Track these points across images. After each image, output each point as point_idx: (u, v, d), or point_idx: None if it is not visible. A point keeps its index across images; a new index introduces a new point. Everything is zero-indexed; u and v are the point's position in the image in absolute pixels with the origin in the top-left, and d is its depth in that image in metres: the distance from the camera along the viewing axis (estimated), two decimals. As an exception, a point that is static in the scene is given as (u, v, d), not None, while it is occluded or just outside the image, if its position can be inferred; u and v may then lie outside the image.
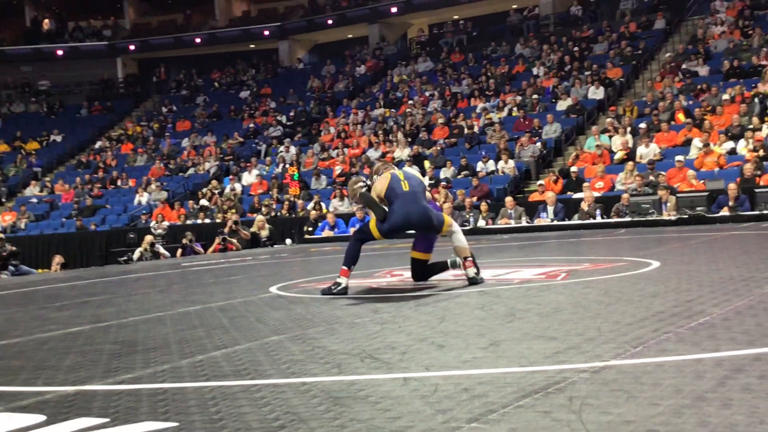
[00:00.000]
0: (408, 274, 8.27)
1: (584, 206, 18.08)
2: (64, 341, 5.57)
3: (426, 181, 21.24)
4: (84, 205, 27.37)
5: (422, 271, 7.92)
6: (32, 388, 4.02)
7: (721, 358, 3.66)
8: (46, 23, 44.09)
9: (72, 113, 39.58)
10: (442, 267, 7.91)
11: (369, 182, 7.89)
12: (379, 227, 7.46)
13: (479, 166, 22.56)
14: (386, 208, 7.45)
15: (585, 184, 19.43)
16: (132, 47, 42.10)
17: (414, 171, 8.04)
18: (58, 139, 36.65)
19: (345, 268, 7.38)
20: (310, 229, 20.99)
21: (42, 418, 3.35)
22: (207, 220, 23.65)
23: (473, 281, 7.43)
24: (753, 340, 4.02)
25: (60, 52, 41.71)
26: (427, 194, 8.05)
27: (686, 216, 16.59)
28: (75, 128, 37.88)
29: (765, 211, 16.14)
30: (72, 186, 29.84)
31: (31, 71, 42.13)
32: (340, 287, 7.28)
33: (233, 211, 22.80)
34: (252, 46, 41.56)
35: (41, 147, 36.12)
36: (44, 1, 44.54)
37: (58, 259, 19.29)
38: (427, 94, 29.57)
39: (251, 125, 32.29)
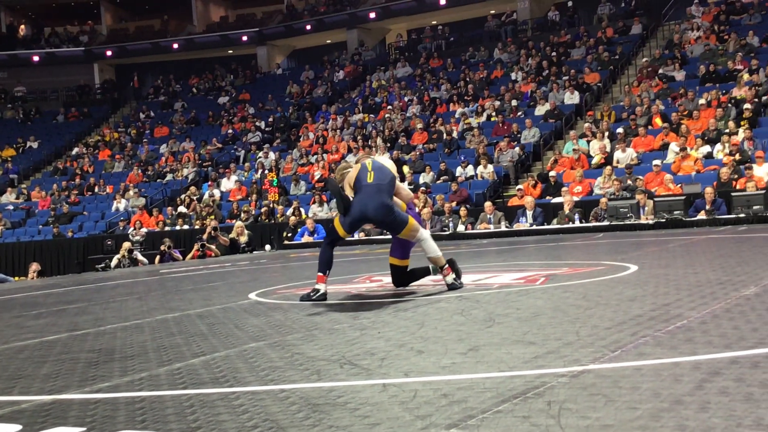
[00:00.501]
0: (387, 279, 8.26)
1: (565, 210, 18.17)
2: (40, 350, 5.52)
3: (407, 184, 21.28)
4: (61, 212, 27.17)
5: (402, 276, 7.88)
6: (8, 397, 3.98)
7: (699, 362, 3.68)
8: (22, 29, 43.80)
9: (48, 119, 39.32)
10: (423, 272, 7.88)
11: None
12: (342, 222, 7.41)
13: (458, 171, 22.61)
14: (351, 198, 7.43)
15: (564, 189, 19.52)
16: (109, 53, 41.90)
17: (386, 162, 7.84)
18: (35, 145, 36.38)
19: (320, 274, 7.33)
20: (290, 234, 20.96)
21: (18, 427, 3.31)
22: (185, 227, 23.55)
23: (452, 287, 7.42)
24: (730, 343, 4.05)
25: (36, 58, 41.46)
26: (406, 191, 7.94)
27: (664, 220, 16.71)
28: (51, 134, 37.62)
29: (741, 215, 16.28)
30: (49, 193, 29.61)
31: (6, 77, 41.85)
32: (318, 294, 7.25)
33: (212, 217, 22.72)
34: (230, 51, 41.47)
35: (17, 154, 35.85)
36: (20, 7, 44.23)
37: (34, 266, 19.13)
38: (405, 99, 29.62)
39: (230, 131, 32.21)
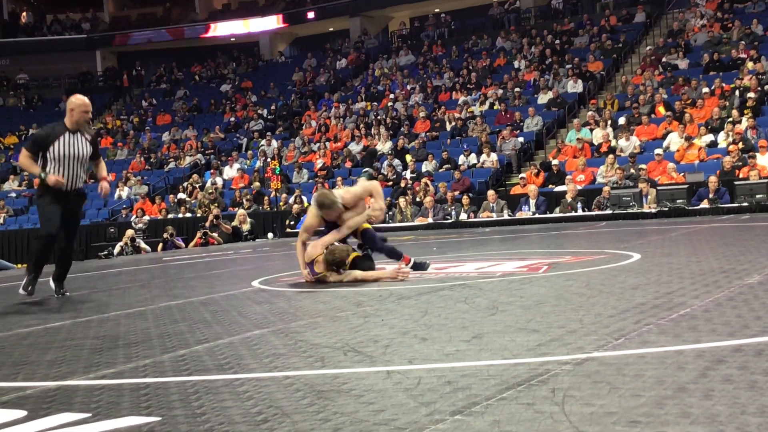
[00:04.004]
0: (390, 266, 8.25)
1: (567, 198, 18.16)
2: (44, 336, 5.52)
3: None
4: (64, 199, 27.15)
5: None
6: (12, 383, 3.99)
7: (702, 350, 3.68)
8: (24, 16, 43.73)
9: (51, 107, 39.27)
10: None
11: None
12: None
13: (461, 159, 22.59)
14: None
15: (567, 177, 19.51)
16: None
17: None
18: (37, 133, 36.36)
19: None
20: (292, 222, 20.96)
21: (23, 413, 3.32)
22: (188, 215, 23.55)
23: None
24: (733, 331, 4.05)
25: (38, 46, 41.35)
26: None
27: (666, 209, 16.69)
28: (54, 122, 37.58)
29: (744, 204, 16.27)
30: (51, 180, 29.57)
31: (8, 65, 41.77)
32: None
33: (215, 205, 22.73)
34: (232, 39, 41.37)
35: (20, 141, 35.80)
36: (22, -6, 44.19)
37: (37, 254, 19.10)
38: (408, 87, 29.56)
39: (232, 119, 32.18)
